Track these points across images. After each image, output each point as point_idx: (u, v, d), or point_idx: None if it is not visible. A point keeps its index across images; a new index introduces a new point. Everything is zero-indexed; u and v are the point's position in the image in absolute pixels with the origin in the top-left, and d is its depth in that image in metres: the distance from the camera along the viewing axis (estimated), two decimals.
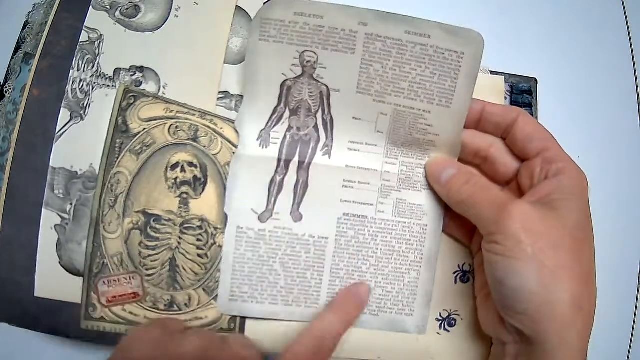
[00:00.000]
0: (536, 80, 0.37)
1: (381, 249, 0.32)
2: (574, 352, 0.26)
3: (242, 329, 0.31)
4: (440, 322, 0.33)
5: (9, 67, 0.32)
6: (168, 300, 0.30)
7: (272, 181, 0.31)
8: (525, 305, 0.26)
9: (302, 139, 0.32)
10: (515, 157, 0.31)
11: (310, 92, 0.31)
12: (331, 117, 0.31)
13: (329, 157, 0.32)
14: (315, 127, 0.32)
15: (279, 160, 0.31)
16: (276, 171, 0.31)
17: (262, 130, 0.31)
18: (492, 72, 0.37)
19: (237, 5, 0.33)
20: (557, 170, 0.28)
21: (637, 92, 0.39)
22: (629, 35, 0.40)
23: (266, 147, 0.31)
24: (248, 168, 0.31)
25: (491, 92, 0.36)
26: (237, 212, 0.31)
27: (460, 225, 0.33)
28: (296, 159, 0.32)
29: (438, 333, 0.33)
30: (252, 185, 0.31)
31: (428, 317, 0.33)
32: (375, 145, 0.32)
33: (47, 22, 0.31)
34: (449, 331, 0.33)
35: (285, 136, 0.32)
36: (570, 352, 0.26)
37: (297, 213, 0.32)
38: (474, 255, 0.33)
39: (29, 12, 0.34)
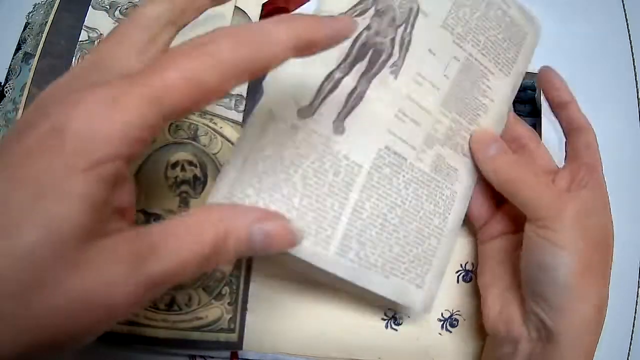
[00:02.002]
0: None
1: (410, 202, 0.29)
2: (587, 353, 0.27)
3: (242, 329, 0.31)
4: (442, 322, 0.33)
5: (9, 67, 0.32)
6: (168, 299, 0.30)
7: (329, 76, 0.28)
8: (558, 296, 0.27)
9: (376, 45, 0.29)
10: (549, 157, 0.32)
11: (402, 1, 0.30)
12: (410, 39, 0.29)
13: (395, 77, 0.29)
14: (392, 41, 0.29)
15: (347, 55, 0.28)
16: (338, 66, 0.28)
17: (341, 13, 0.29)
18: None
19: (235, 6, 0.33)
20: (595, 183, 0.29)
21: (637, 92, 0.39)
22: (629, 35, 0.40)
23: None
24: None
25: None
26: (274, 94, 0.27)
27: (480, 205, 0.33)
28: (364, 63, 0.29)
29: (440, 334, 0.33)
30: (304, 69, 0.27)
31: (435, 296, 0.31)
32: (439, 89, 0.30)
33: (47, 22, 0.31)
34: (450, 332, 0.33)
35: (361, 34, 0.29)
36: (584, 352, 0.27)
37: (341, 124, 0.28)
38: (481, 242, 0.33)
39: (29, 13, 0.34)
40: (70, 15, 0.31)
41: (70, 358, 0.33)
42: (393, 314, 0.33)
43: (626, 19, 0.40)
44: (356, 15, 0.28)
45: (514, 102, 0.36)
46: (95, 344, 0.31)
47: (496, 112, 0.32)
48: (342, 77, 0.28)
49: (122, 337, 0.29)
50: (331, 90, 0.27)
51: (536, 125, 0.36)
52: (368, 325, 0.33)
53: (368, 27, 0.29)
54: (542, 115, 0.37)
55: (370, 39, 0.29)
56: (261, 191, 0.25)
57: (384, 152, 0.28)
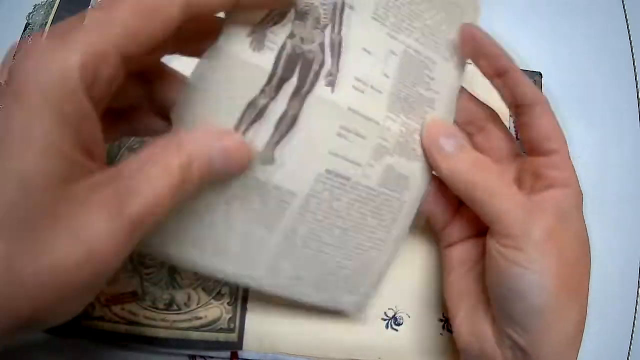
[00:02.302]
0: (541, 75, 0.37)
1: (352, 221, 0.27)
2: None
3: (242, 329, 0.31)
4: (443, 322, 0.33)
5: None
6: (167, 299, 0.30)
7: (251, 103, 0.23)
8: (534, 321, 0.24)
9: (304, 55, 0.24)
10: (511, 137, 0.28)
11: None
12: (340, 40, 0.25)
13: (332, 89, 0.25)
14: (322, 46, 0.24)
15: (271, 76, 0.23)
16: (262, 90, 0.23)
17: (256, 26, 0.23)
18: None
19: None
20: (564, 180, 0.25)
21: (637, 92, 0.39)
22: (629, 35, 0.40)
23: (258, 51, 0.23)
24: (225, 72, 0.22)
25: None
26: (192, 123, 0.22)
27: (438, 206, 0.29)
28: (293, 80, 0.24)
29: (440, 334, 0.33)
30: (222, 99, 0.23)
31: (372, 297, 0.29)
32: (381, 92, 0.26)
33: (47, 22, 0.31)
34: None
35: (285, 44, 0.24)
36: None
37: (269, 154, 0.24)
38: (442, 246, 0.31)
39: (29, 13, 0.34)
40: (70, 15, 0.31)
41: (70, 358, 0.33)
42: (393, 314, 0.33)
43: (626, 19, 0.40)
44: (274, 23, 0.23)
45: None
46: (95, 344, 0.31)
47: (444, 104, 0.28)
48: (268, 103, 0.23)
49: (122, 336, 0.29)
50: (255, 120, 0.23)
51: None
52: (368, 325, 0.33)
53: (291, 35, 0.24)
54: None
55: (296, 49, 0.24)
56: (179, 222, 0.24)
57: (324, 177, 0.25)
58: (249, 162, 0.22)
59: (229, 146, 0.20)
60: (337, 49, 0.25)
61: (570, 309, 0.24)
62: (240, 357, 0.32)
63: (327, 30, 0.25)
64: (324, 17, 0.25)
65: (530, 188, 0.26)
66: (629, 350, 0.36)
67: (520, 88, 0.26)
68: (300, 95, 0.24)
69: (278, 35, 0.23)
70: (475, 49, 0.27)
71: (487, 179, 0.25)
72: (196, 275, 0.30)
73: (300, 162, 0.25)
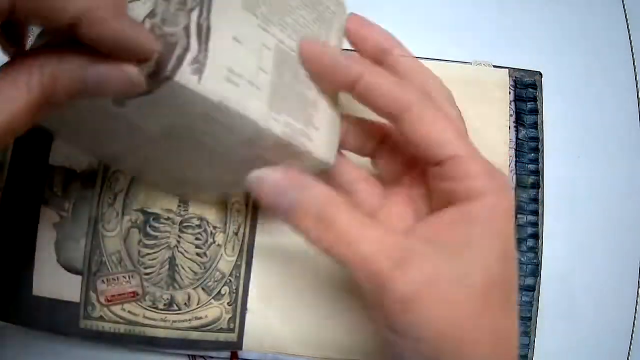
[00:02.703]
0: (541, 74, 0.37)
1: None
2: None
3: (242, 329, 0.31)
4: None
5: None
6: (167, 299, 0.30)
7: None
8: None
9: (166, 38, 0.20)
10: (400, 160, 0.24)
11: None
12: (209, 25, 0.22)
13: (199, 78, 0.21)
14: (187, 30, 0.21)
15: None
16: None
17: None
18: (495, 67, 0.37)
19: None
20: (468, 192, 0.20)
21: (637, 92, 0.39)
22: (629, 35, 0.40)
23: None
24: None
25: (495, 85, 0.36)
26: None
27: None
28: (150, 64, 0.20)
29: None
30: None
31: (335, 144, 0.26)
32: (259, 89, 0.23)
33: None
34: None
35: (143, 23, 0.20)
36: None
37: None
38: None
39: None
40: None
41: (70, 358, 0.33)
42: None
43: (626, 19, 0.40)
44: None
45: (515, 101, 0.36)
46: (95, 344, 0.31)
47: (326, 109, 0.26)
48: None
49: (122, 336, 0.29)
50: None
51: (537, 124, 0.36)
52: (368, 325, 0.33)
53: (151, 14, 0.21)
54: (543, 114, 0.37)
55: (155, 30, 0.20)
56: None
57: None
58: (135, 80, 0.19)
59: (104, 74, 0.18)
60: (205, 34, 0.21)
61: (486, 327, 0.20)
62: (240, 357, 0.32)
63: (195, 14, 0.22)
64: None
65: (429, 210, 0.22)
66: (629, 350, 0.36)
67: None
68: (157, 81, 0.20)
69: (135, 11, 0.21)
70: (361, 34, 0.25)
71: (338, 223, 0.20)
72: (196, 275, 0.30)
73: None
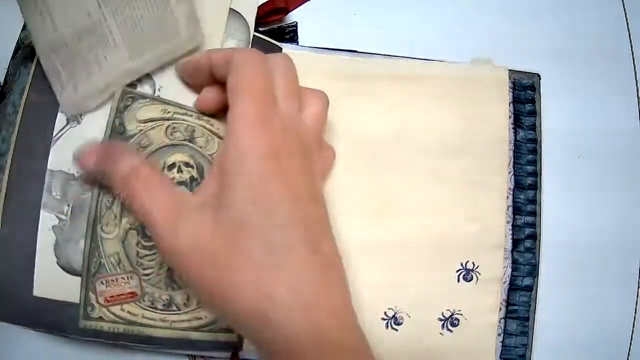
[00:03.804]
0: (539, 76, 0.37)
1: None
2: None
3: None
4: (443, 321, 0.33)
5: (8, 68, 0.32)
6: (166, 299, 0.30)
7: None
8: None
9: None
10: None
11: None
12: None
13: None
14: None
15: None
16: None
17: None
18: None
19: (230, 8, 0.33)
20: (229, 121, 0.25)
21: (637, 92, 0.39)
22: (629, 35, 0.40)
23: None
24: None
25: (495, 84, 0.36)
26: None
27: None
28: None
29: (441, 333, 0.33)
30: None
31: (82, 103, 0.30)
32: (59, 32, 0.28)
33: None
34: (451, 331, 0.33)
35: None
36: None
37: None
38: None
39: None
40: None
41: (70, 358, 0.33)
42: (393, 314, 0.33)
43: (626, 19, 0.40)
44: None
45: (514, 103, 0.36)
46: (94, 344, 0.31)
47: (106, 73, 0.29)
48: None
49: (121, 337, 0.29)
50: None
51: (535, 126, 0.36)
52: (368, 325, 0.33)
53: None
54: (541, 116, 0.37)
55: None
56: None
57: None
58: None
59: None
60: None
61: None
62: (240, 357, 0.32)
63: None
64: None
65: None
66: (629, 350, 0.36)
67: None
68: None
69: None
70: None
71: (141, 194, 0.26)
72: None
73: None
